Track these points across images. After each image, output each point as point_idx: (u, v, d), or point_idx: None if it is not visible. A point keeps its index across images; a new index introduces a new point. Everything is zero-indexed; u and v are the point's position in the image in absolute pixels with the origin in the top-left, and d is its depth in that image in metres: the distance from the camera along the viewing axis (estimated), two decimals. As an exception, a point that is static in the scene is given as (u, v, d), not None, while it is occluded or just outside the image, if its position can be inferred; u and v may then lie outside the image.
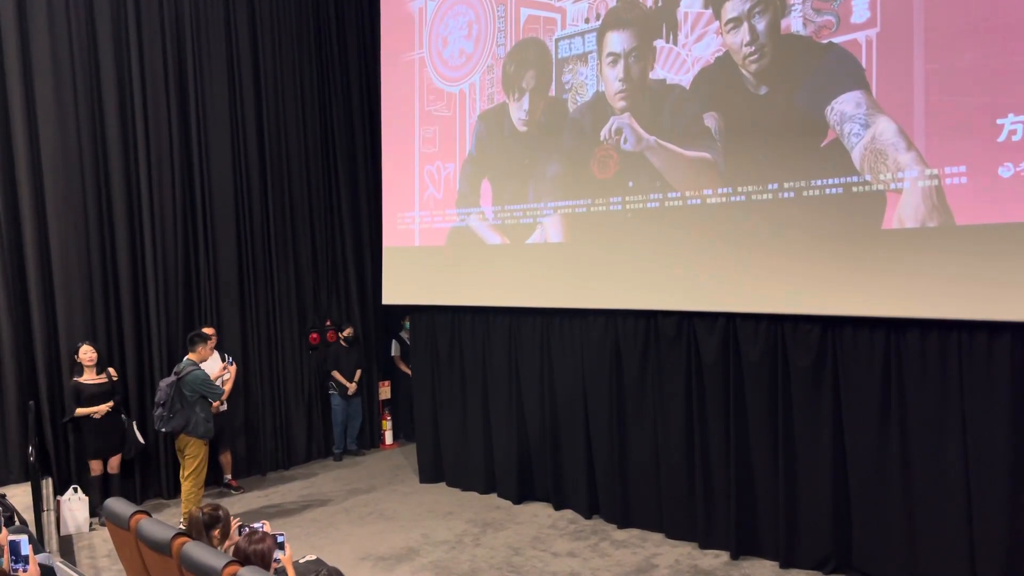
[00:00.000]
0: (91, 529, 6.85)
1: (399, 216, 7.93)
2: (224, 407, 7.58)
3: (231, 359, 7.53)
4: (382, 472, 8.47)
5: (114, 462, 7.11)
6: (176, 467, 7.71)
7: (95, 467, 7.02)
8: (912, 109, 4.76)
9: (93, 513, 6.86)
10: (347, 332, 9.01)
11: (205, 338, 6.68)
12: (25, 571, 3.63)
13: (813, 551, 5.46)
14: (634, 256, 6.13)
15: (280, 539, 4.04)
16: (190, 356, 6.56)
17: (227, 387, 7.08)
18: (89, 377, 6.94)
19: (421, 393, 8.04)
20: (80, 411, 6.88)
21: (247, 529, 4.00)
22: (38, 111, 7.09)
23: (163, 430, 6.52)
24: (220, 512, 4.14)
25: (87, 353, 6.94)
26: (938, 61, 4.66)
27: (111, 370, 7.18)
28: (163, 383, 6.52)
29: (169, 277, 7.81)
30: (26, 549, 3.65)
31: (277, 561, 4.04)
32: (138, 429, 7.25)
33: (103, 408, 6.93)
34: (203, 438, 6.52)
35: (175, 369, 6.60)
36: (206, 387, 6.50)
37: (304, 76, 8.98)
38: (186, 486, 6.52)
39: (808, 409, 5.43)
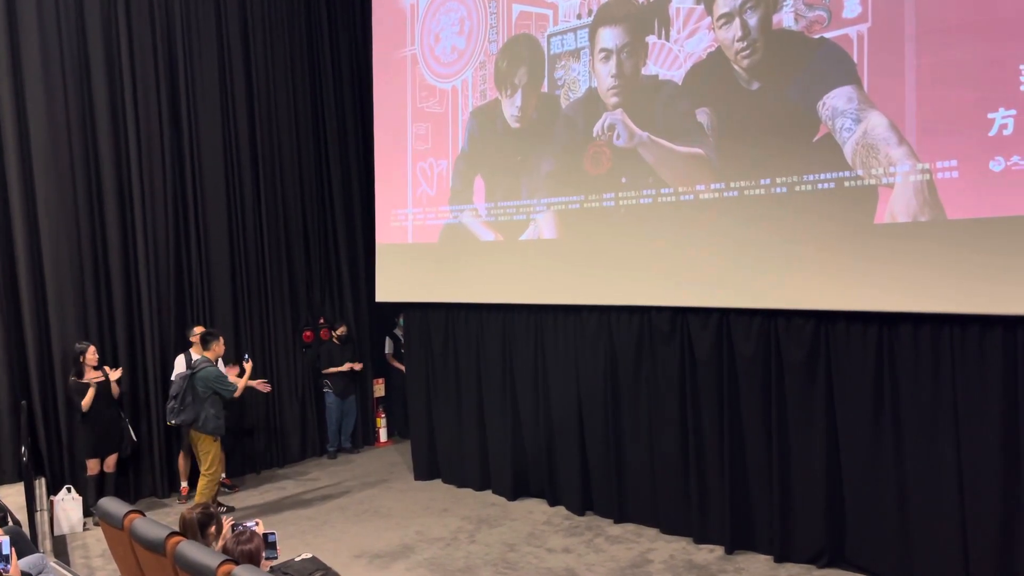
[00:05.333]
0: (85, 529, 6.83)
1: (392, 213, 7.91)
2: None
3: (247, 356, 7.45)
4: (377, 470, 8.46)
5: (111, 461, 7.08)
6: (171, 465, 7.72)
7: (92, 466, 6.99)
8: (903, 104, 4.77)
9: (87, 512, 6.84)
10: (340, 330, 9.00)
11: (217, 336, 6.80)
12: (6, 571, 3.61)
13: (807, 545, 5.48)
14: (627, 252, 6.14)
15: (272, 538, 4.03)
16: (204, 354, 6.69)
17: (241, 384, 6.95)
18: (90, 376, 6.93)
19: (415, 390, 8.04)
20: (86, 403, 6.82)
21: (240, 528, 4.00)
22: (28, 111, 7.03)
23: (173, 422, 6.61)
24: (212, 510, 4.18)
25: (94, 354, 6.94)
26: (929, 56, 4.67)
27: (107, 368, 7.15)
28: (177, 376, 6.59)
29: (161, 276, 7.78)
30: (7, 549, 3.62)
31: (272, 558, 4.04)
32: (130, 426, 7.26)
33: (90, 395, 6.85)
34: (212, 434, 6.60)
35: (190, 364, 6.72)
36: (219, 384, 6.59)
37: (296, 73, 8.95)
38: (201, 482, 6.60)
39: (801, 404, 5.44)
